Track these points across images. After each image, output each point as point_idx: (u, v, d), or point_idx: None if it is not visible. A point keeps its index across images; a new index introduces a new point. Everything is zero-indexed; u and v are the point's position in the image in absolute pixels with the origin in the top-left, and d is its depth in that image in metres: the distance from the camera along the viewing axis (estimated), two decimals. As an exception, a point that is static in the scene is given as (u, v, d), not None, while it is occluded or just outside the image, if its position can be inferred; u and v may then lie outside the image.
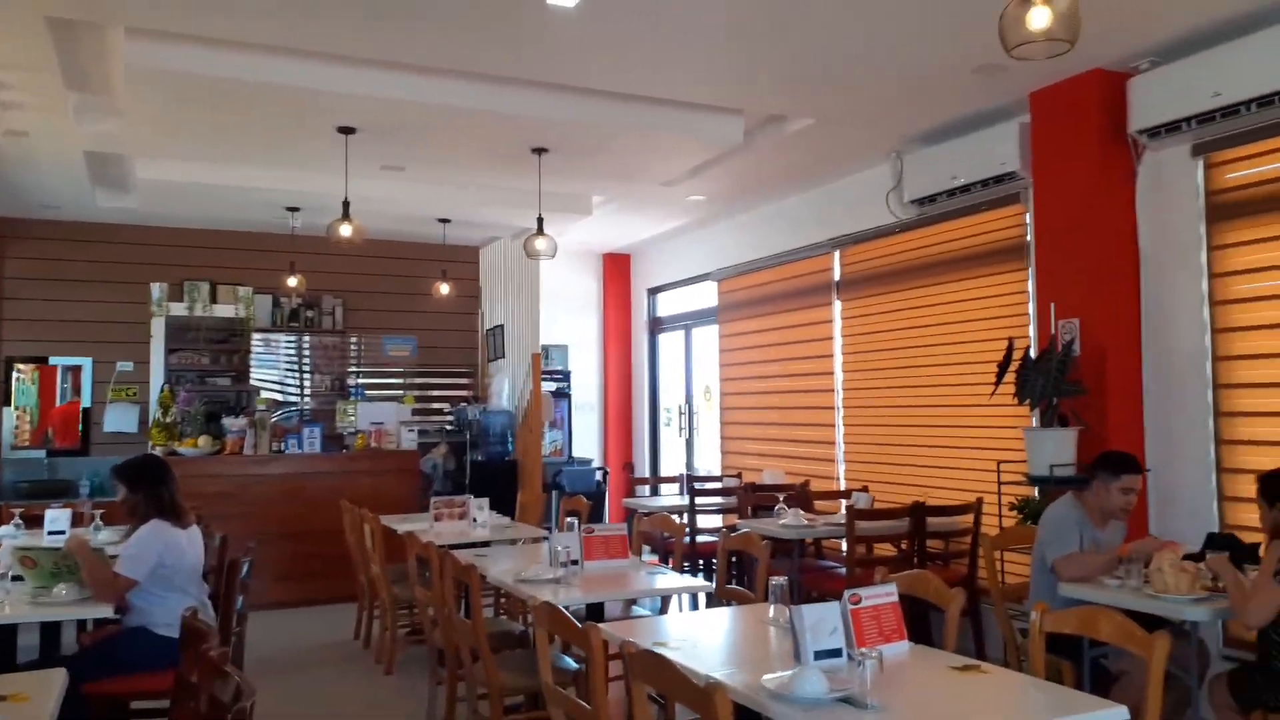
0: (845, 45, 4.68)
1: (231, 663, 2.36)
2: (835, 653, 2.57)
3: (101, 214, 8.18)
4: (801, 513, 5.82)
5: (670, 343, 10.23)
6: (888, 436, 6.75)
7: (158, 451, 6.92)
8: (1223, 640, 4.48)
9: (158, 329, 8.77)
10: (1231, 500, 4.57)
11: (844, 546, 5.76)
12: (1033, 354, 4.98)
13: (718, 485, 7.93)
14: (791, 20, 4.37)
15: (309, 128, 5.95)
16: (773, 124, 6.14)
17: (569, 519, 5.75)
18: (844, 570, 5.53)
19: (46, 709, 2.32)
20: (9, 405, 8.31)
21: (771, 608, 3.14)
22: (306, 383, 9.33)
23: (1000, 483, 5.20)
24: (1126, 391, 4.88)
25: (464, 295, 9.52)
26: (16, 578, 3.74)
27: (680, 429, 9.84)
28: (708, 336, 9.31)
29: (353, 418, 8.11)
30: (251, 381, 9.05)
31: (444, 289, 8.62)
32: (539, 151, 6.49)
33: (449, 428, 9.03)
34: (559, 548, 4.08)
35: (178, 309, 8.86)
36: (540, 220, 6.78)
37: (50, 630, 4.27)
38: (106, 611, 3.66)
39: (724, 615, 3.53)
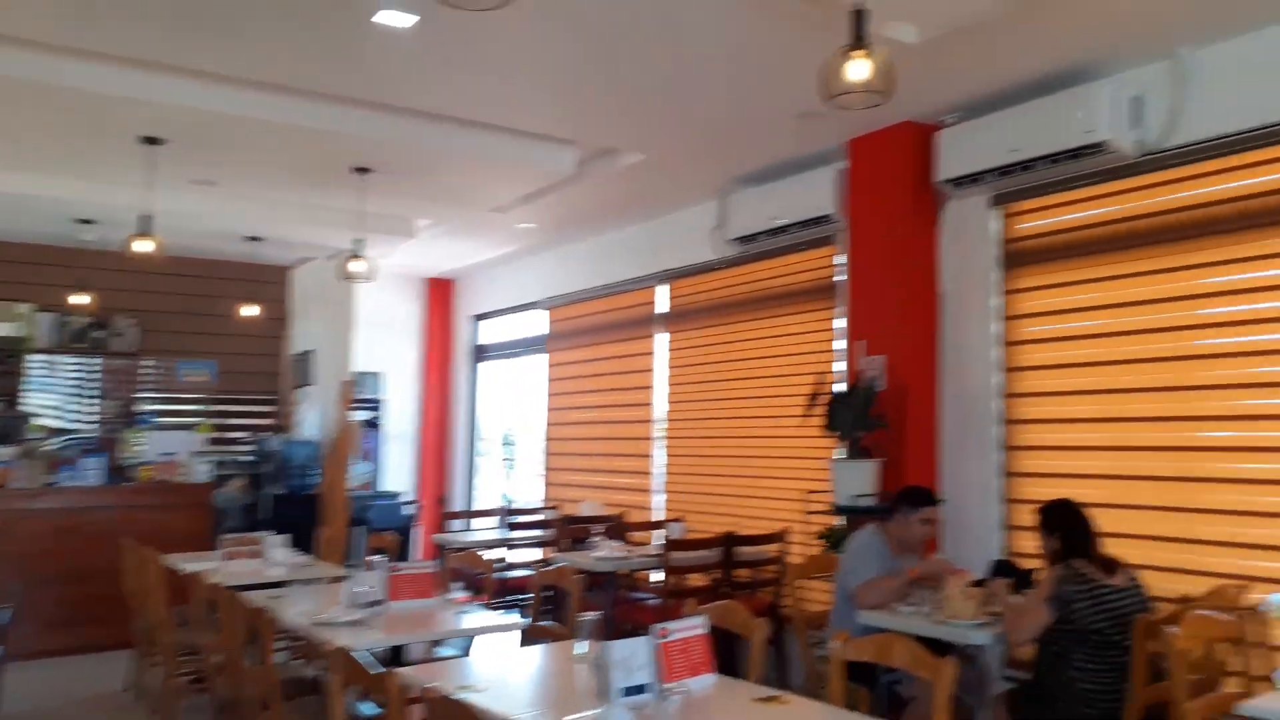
0: (673, 86, 4.75)
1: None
2: (643, 689, 2.54)
3: None
4: (616, 545, 5.79)
5: (493, 372, 10.05)
6: (706, 467, 6.85)
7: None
8: (1006, 661, 4.73)
9: (-85, 348, 7.87)
10: (1016, 529, 4.88)
11: (658, 578, 5.77)
12: (844, 388, 5.18)
13: (538, 518, 7.80)
14: (621, 57, 4.41)
15: (107, 136, 5.54)
16: (605, 157, 6.16)
17: (373, 557, 5.48)
18: (658, 602, 5.53)
19: None
20: None
21: (581, 644, 3.07)
22: (92, 409, 8.56)
23: (808, 512, 5.35)
24: (924, 425, 5.13)
25: (271, 318, 9.03)
26: None
27: (502, 459, 9.65)
28: (532, 366, 9.21)
29: (140, 447, 7.47)
30: (23, 407, 8.22)
31: (248, 311, 8.15)
32: (361, 171, 6.26)
33: (249, 458, 8.49)
34: (358, 589, 3.87)
35: (-61, 325, 7.98)
36: (359, 242, 6.54)
37: None
38: None
39: (534, 654, 3.43)
